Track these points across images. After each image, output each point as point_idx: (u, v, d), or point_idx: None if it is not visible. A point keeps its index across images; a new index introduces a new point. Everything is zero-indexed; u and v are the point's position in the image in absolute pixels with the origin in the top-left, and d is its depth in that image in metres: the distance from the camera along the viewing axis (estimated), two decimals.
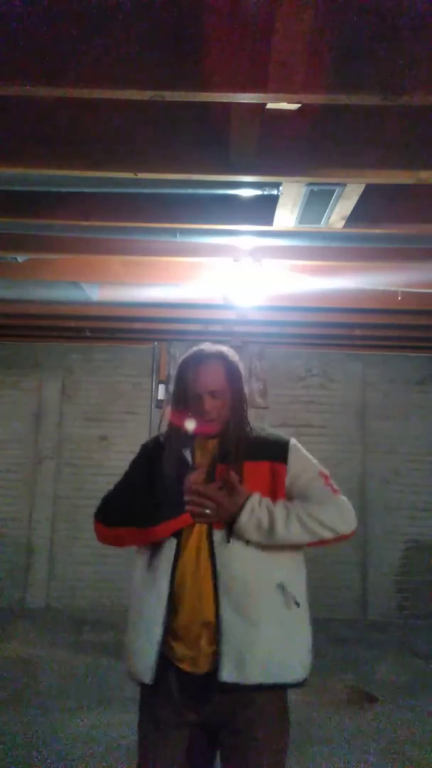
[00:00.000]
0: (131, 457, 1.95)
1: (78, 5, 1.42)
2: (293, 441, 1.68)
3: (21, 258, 3.18)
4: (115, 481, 1.90)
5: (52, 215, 2.42)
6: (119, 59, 1.48)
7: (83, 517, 5.42)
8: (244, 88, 1.50)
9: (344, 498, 1.67)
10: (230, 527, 1.50)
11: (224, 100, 1.57)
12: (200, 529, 1.54)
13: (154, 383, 5.54)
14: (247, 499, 1.50)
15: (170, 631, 1.50)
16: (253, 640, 1.45)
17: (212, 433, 1.63)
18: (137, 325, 4.65)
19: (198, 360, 1.65)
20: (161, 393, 5.49)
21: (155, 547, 1.58)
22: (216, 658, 1.44)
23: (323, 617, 5.15)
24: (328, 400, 5.54)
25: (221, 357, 1.68)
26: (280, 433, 1.72)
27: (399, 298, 3.52)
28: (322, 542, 1.58)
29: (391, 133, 1.92)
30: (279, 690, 1.54)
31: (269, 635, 1.47)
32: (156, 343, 5.56)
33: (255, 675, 1.44)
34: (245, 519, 1.48)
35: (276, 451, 1.63)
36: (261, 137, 1.82)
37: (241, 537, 1.50)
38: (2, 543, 5.40)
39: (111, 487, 1.86)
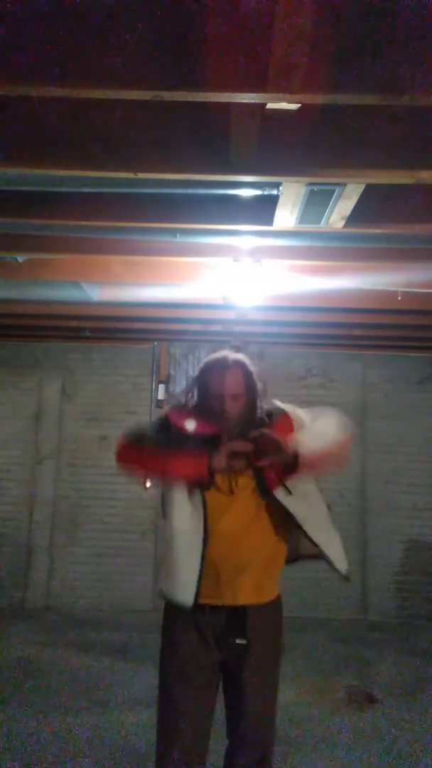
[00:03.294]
0: None
1: (78, 5, 1.41)
2: (288, 407, 1.99)
3: (21, 258, 3.18)
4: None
5: (52, 215, 2.42)
6: (119, 59, 1.48)
7: (83, 517, 5.42)
8: (244, 88, 1.50)
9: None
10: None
11: (224, 100, 1.57)
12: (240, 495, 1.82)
13: (154, 383, 5.54)
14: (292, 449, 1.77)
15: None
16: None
17: (222, 431, 1.83)
18: (137, 325, 4.65)
19: (222, 366, 1.88)
20: (161, 393, 5.49)
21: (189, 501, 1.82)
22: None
23: (323, 617, 5.16)
24: (328, 400, 5.54)
25: (241, 365, 1.92)
26: (276, 404, 1.99)
27: (399, 298, 3.52)
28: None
29: (391, 133, 1.92)
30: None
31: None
32: (156, 343, 5.56)
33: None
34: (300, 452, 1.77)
35: (276, 414, 1.93)
36: (261, 137, 1.82)
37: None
38: (2, 543, 5.40)
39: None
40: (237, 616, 1.80)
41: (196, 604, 1.76)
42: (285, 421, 1.91)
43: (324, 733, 3.18)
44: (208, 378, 1.89)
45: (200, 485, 1.80)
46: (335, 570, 1.94)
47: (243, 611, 1.80)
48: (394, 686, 3.85)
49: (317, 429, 1.89)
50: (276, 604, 1.92)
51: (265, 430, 1.77)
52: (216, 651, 1.82)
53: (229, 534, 1.80)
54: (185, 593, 1.77)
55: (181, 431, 1.85)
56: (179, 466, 1.82)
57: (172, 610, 1.86)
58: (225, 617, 1.81)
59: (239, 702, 1.84)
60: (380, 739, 3.14)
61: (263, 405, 1.96)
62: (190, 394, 1.96)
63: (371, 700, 3.64)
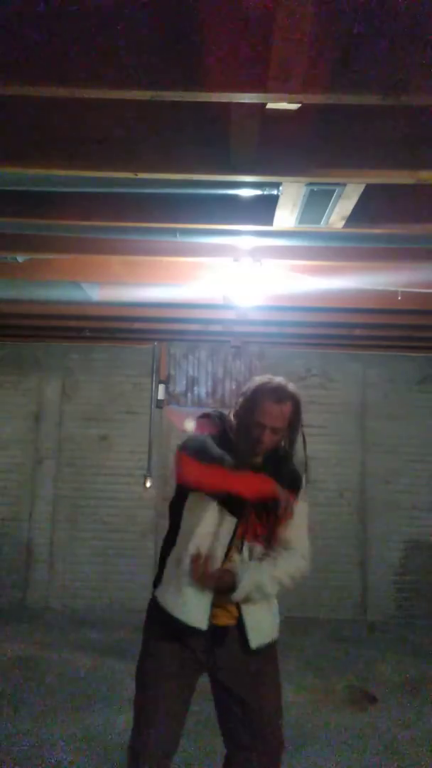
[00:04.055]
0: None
1: (78, 6, 1.42)
2: (304, 481, 1.98)
3: (21, 258, 3.18)
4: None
5: (52, 215, 2.42)
6: (119, 59, 1.49)
7: (83, 517, 5.42)
8: (244, 88, 1.50)
9: (308, 551, 1.96)
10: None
11: (224, 100, 1.57)
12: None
13: (154, 383, 5.54)
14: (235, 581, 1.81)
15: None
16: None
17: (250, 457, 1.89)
18: (137, 325, 4.65)
19: (277, 397, 1.87)
20: (161, 393, 5.49)
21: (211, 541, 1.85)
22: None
23: (323, 617, 5.16)
24: (328, 400, 5.54)
25: (295, 399, 1.92)
26: (297, 466, 1.99)
27: (399, 298, 3.52)
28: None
29: (391, 133, 1.92)
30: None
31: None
32: (156, 343, 5.56)
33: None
34: (238, 594, 1.80)
35: (297, 486, 1.93)
36: (261, 137, 1.82)
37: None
38: (2, 543, 5.40)
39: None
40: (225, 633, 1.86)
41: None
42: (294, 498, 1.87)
43: (324, 733, 3.18)
44: (259, 403, 1.86)
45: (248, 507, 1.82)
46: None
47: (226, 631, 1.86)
48: (394, 686, 3.85)
49: (276, 571, 1.86)
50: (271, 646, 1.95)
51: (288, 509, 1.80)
52: (199, 659, 1.87)
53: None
54: (197, 616, 1.82)
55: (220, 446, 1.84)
56: (248, 483, 1.79)
57: (163, 616, 1.88)
58: (218, 633, 1.86)
59: (247, 708, 1.87)
60: (380, 739, 3.14)
61: (294, 456, 1.97)
62: (233, 408, 1.96)
63: (371, 700, 3.64)
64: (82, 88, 1.53)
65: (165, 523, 2.08)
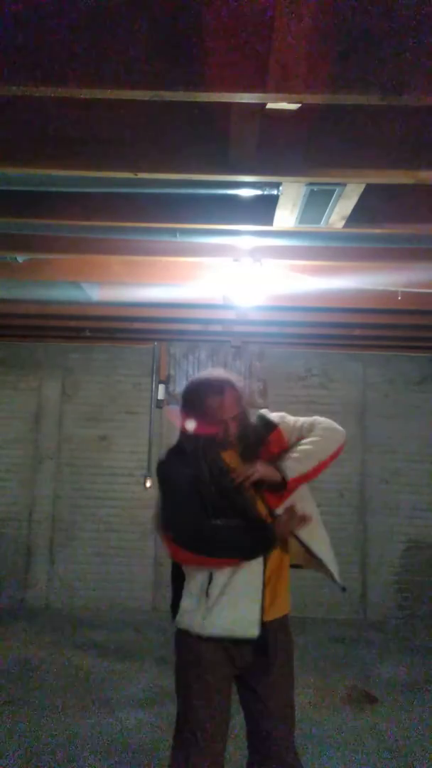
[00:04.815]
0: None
1: (78, 5, 1.42)
2: (276, 415, 2.06)
3: (21, 258, 3.18)
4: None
5: (52, 215, 2.42)
6: (119, 59, 1.48)
7: (83, 517, 5.42)
8: (244, 88, 1.50)
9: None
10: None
11: (224, 100, 1.57)
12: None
13: (154, 383, 5.54)
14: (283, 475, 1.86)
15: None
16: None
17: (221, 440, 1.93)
18: (137, 325, 4.65)
19: (219, 391, 1.91)
20: (161, 393, 5.49)
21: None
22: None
23: (323, 617, 5.16)
24: (328, 400, 5.54)
25: (232, 385, 1.95)
26: (264, 414, 2.08)
27: (399, 298, 3.52)
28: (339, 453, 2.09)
29: (391, 133, 1.92)
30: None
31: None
32: (156, 343, 5.56)
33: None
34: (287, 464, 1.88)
35: (269, 428, 2.01)
36: (261, 137, 1.82)
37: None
38: (2, 543, 5.40)
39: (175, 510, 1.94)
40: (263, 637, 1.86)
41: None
42: (277, 436, 1.99)
43: (324, 733, 3.18)
44: (205, 404, 1.90)
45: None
46: (334, 581, 2.06)
47: (266, 626, 1.85)
48: (394, 686, 3.86)
49: (306, 448, 1.94)
50: (287, 616, 2.01)
51: (260, 469, 1.86)
52: (232, 663, 1.89)
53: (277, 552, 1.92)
54: (250, 626, 1.83)
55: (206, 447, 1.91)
56: (250, 549, 1.84)
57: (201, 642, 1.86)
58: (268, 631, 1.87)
59: (265, 710, 1.91)
60: (380, 739, 3.14)
61: (252, 416, 2.03)
62: (184, 418, 1.97)
63: (371, 700, 3.64)
64: (82, 88, 1.53)
65: None
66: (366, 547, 5.37)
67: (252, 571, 1.84)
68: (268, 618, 1.87)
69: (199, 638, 1.84)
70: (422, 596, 5.29)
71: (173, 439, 2.13)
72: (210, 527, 1.83)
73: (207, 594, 1.82)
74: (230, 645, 1.85)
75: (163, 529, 1.88)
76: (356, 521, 5.40)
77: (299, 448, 1.94)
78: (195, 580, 1.87)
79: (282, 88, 1.49)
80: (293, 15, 1.24)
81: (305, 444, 1.95)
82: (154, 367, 5.57)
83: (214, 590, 1.82)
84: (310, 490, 2.07)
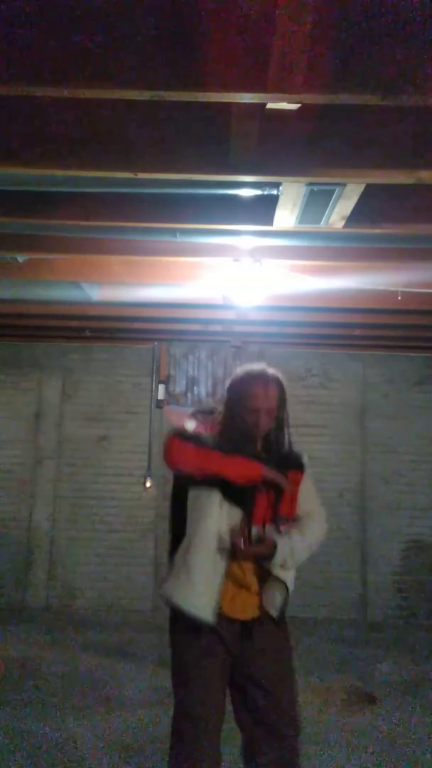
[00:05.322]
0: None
1: (78, 6, 1.42)
2: (306, 456, 2.07)
3: (21, 258, 3.18)
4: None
5: (52, 215, 2.42)
6: (119, 59, 1.48)
7: (83, 517, 5.42)
8: (244, 88, 1.50)
9: (323, 512, 2.11)
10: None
11: (224, 100, 1.57)
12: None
13: (154, 383, 5.54)
14: (275, 548, 1.89)
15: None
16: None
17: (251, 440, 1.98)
18: (137, 325, 4.65)
19: (263, 381, 1.97)
20: (161, 393, 5.49)
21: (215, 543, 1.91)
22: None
23: (323, 617, 5.16)
24: (328, 400, 5.54)
25: (279, 381, 2.00)
26: (301, 451, 2.09)
27: (399, 298, 3.52)
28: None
29: (391, 133, 1.92)
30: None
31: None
32: (156, 343, 5.56)
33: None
34: (277, 561, 1.90)
35: (301, 464, 2.02)
36: (261, 137, 1.82)
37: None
38: (2, 543, 5.40)
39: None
40: (247, 628, 1.93)
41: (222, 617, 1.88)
42: (299, 478, 1.99)
43: (324, 733, 3.18)
44: (246, 390, 1.95)
45: (247, 490, 1.87)
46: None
47: (252, 623, 1.93)
48: (394, 686, 3.85)
49: (305, 544, 1.99)
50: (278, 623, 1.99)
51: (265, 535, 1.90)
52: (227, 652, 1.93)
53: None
54: (206, 609, 1.86)
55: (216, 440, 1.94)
56: (235, 467, 1.85)
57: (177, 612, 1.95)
58: (239, 628, 1.93)
59: (260, 700, 1.93)
60: (380, 739, 3.14)
61: (288, 438, 2.05)
62: (219, 403, 2.05)
63: (371, 700, 3.64)
64: (82, 88, 1.53)
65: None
66: (366, 547, 5.37)
67: (217, 558, 1.88)
68: (238, 615, 1.91)
69: (176, 607, 1.94)
70: (422, 596, 5.29)
71: None
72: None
73: (189, 580, 1.90)
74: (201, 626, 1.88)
75: (168, 437, 1.98)
76: (356, 521, 5.40)
77: (303, 537, 1.98)
78: (184, 543, 1.94)
79: (282, 88, 1.49)
80: (293, 15, 1.24)
81: (309, 538, 2.01)
82: (154, 367, 5.57)
83: (195, 575, 1.89)
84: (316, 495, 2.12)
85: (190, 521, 1.95)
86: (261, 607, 1.94)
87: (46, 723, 3.20)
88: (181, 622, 1.95)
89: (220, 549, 1.88)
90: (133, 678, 3.85)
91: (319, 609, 5.18)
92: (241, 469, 1.84)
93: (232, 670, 1.95)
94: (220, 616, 1.87)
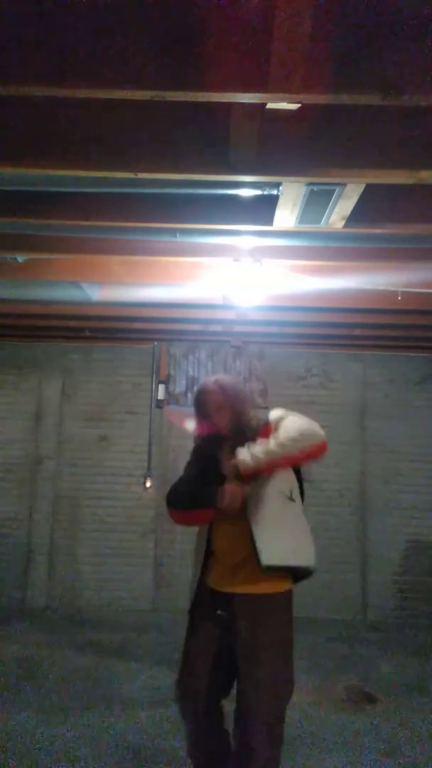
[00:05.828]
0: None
1: (78, 6, 1.42)
2: (276, 415, 2.25)
3: (21, 258, 3.18)
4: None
5: (52, 215, 2.42)
6: (119, 59, 1.49)
7: (83, 517, 5.42)
8: (244, 88, 1.50)
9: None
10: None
11: (224, 100, 1.57)
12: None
13: (154, 383, 5.54)
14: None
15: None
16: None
17: (216, 432, 2.26)
18: (137, 325, 4.65)
19: (201, 393, 2.32)
20: (161, 393, 5.49)
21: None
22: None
23: (323, 617, 5.16)
24: (328, 400, 5.54)
25: (220, 384, 2.31)
26: (264, 413, 2.31)
27: (399, 298, 3.53)
28: (308, 455, 2.13)
29: (391, 133, 1.92)
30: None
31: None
32: (156, 343, 5.56)
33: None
34: (243, 457, 2.07)
35: (261, 425, 2.23)
36: (261, 137, 1.82)
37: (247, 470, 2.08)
38: (2, 543, 5.40)
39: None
40: (231, 601, 2.12)
41: (206, 587, 2.18)
42: (268, 431, 2.18)
43: (324, 733, 3.18)
44: (198, 403, 2.31)
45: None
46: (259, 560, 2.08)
47: (233, 598, 2.11)
48: (394, 686, 3.85)
49: (265, 448, 2.09)
50: (271, 597, 2.11)
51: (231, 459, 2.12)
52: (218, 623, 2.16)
53: (227, 533, 2.17)
54: (194, 579, 2.23)
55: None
56: (201, 517, 2.22)
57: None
58: (225, 599, 2.14)
59: (240, 677, 2.10)
60: (380, 739, 3.14)
61: (257, 412, 2.34)
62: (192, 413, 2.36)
63: (371, 700, 3.63)
64: (82, 88, 1.53)
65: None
66: (366, 547, 5.37)
67: (201, 540, 2.24)
68: (223, 587, 2.14)
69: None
70: (422, 596, 5.29)
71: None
72: (175, 484, 2.31)
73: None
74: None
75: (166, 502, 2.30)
76: (356, 521, 5.40)
77: (261, 445, 2.09)
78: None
79: (282, 88, 1.49)
80: (293, 15, 1.24)
81: (268, 442, 2.10)
82: (154, 367, 5.57)
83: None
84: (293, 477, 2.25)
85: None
86: (251, 583, 2.09)
87: (46, 723, 3.20)
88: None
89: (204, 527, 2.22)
90: (133, 678, 3.85)
91: (319, 609, 5.18)
92: (202, 518, 2.22)
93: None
94: (207, 588, 2.17)
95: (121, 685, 3.72)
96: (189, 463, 2.36)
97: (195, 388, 2.43)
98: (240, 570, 2.10)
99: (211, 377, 2.42)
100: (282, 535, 2.08)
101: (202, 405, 2.29)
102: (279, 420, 2.20)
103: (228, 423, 2.24)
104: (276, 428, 2.16)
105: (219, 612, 2.14)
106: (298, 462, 2.17)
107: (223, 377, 2.40)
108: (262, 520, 2.07)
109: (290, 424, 2.15)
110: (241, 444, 2.12)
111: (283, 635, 2.11)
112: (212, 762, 2.15)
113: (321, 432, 2.11)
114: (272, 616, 2.10)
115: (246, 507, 2.08)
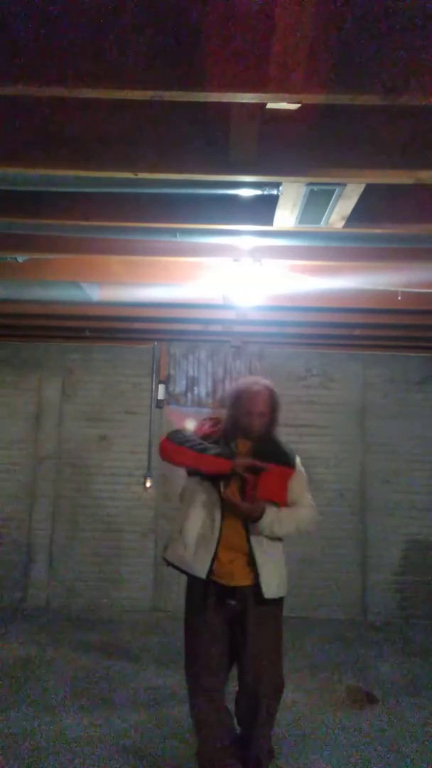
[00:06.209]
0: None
1: (78, 5, 1.42)
2: (298, 458, 2.57)
3: (21, 258, 3.18)
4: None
5: (52, 215, 2.42)
6: (119, 59, 1.48)
7: (83, 517, 5.42)
8: (244, 88, 1.50)
9: (314, 506, 2.56)
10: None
11: (224, 100, 1.57)
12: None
13: (154, 383, 5.55)
14: (263, 510, 2.37)
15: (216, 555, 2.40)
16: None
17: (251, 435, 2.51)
18: (137, 325, 4.65)
19: (256, 389, 2.50)
20: (161, 393, 5.49)
21: (210, 505, 2.43)
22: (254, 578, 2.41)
23: (323, 617, 5.16)
24: (328, 400, 5.54)
25: (269, 388, 2.53)
26: (293, 449, 2.59)
27: (399, 298, 3.52)
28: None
29: (391, 133, 1.92)
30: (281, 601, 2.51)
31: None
32: (156, 343, 5.56)
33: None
34: (264, 523, 2.38)
35: (288, 460, 2.52)
36: (261, 137, 1.82)
37: (255, 528, 2.39)
38: (2, 543, 5.40)
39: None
40: (235, 591, 2.40)
41: (208, 578, 2.37)
42: (288, 473, 2.48)
43: (324, 733, 3.18)
44: (242, 397, 2.48)
45: (220, 481, 2.41)
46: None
47: (242, 589, 2.39)
48: (394, 686, 3.86)
49: (292, 521, 2.44)
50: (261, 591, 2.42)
51: (254, 496, 2.38)
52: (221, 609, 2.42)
53: (235, 526, 2.40)
54: (201, 569, 2.37)
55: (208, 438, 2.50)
56: (205, 463, 2.40)
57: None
58: (227, 591, 2.40)
59: (244, 655, 2.42)
60: (380, 739, 3.14)
61: (285, 442, 2.58)
62: (222, 408, 2.59)
63: (371, 700, 3.64)
64: (82, 89, 1.53)
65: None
66: (366, 547, 5.37)
67: (211, 529, 2.39)
68: (231, 581, 2.39)
69: (191, 576, 2.43)
70: (422, 596, 5.29)
71: None
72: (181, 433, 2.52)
73: (184, 544, 2.42)
74: (218, 590, 2.39)
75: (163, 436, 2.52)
76: (356, 521, 5.41)
77: (290, 512, 2.44)
78: (179, 521, 2.48)
79: (282, 88, 1.49)
80: (293, 15, 1.24)
81: (296, 516, 2.46)
82: (154, 367, 5.58)
83: (189, 540, 2.41)
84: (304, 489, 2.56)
85: (184, 504, 2.49)
86: (254, 580, 2.38)
87: (46, 723, 3.20)
88: (186, 582, 2.49)
89: (211, 517, 2.39)
90: (133, 678, 3.85)
91: (319, 609, 5.18)
92: (208, 464, 2.38)
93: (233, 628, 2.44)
94: (213, 579, 2.37)
95: (121, 685, 3.72)
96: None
97: (239, 383, 2.59)
98: (245, 566, 2.40)
99: (256, 379, 2.61)
100: (278, 573, 2.45)
101: (249, 403, 2.46)
102: (298, 473, 2.52)
103: (262, 428, 2.48)
104: (298, 484, 2.49)
105: (232, 602, 2.39)
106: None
107: (269, 382, 2.56)
108: (263, 554, 2.40)
109: (305, 512, 2.48)
110: (259, 455, 2.42)
111: (278, 612, 2.51)
112: (224, 740, 2.44)
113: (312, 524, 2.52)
114: (269, 600, 2.42)
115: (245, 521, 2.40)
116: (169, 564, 2.47)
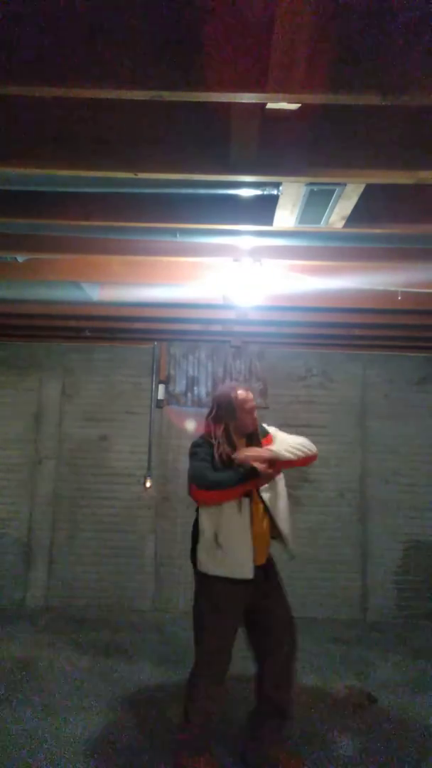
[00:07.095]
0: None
1: (78, 5, 1.42)
2: (272, 430, 2.94)
3: (21, 258, 3.18)
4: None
5: (52, 215, 2.42)
6: (119, 59, 1.49)
7: (83, 517, 5.42)
8: (244, 88, 1.50)
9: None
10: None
11: (224, 100, 1.57)
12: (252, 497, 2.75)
13: (154, 383, 5.55)
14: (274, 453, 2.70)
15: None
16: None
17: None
18: (137, 325, 4.65)
19: (245, 389, 2.86)
20: (161, 393, 5.49)
21: (238, 506, 2.69)
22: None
23: (323, 617, 5.16)
24: (328, 400, 5.54)
25: (250, 392, 2.89)
26: (263, 425, 2.93)
27: (399, 298, 3.53)
28: (305, 461, 2.82)
29: (391, 133, 1.92)
30: None
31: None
32: (156, 343, 5.56)
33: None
34: (278, 451, 2.71)
35: (265, 433, 2.89)
36: (261, 137, 1.83)
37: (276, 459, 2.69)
38: (2, 543, 5.40)
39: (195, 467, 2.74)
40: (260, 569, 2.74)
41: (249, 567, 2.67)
42: (269, 440, 2.84)
43: (324, 733, 3.18)
44: (239, 397, 2.78)
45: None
46: (286, 548, 2.82)
47: (266, 565, 2.81)
48: (394, 686, 3.86)
49: (292, 450, 2.74)
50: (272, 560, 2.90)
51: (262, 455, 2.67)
52: (242, 599, 2.70)
53: (259, 517, 2.73)
54: (245, 570, 2.63)
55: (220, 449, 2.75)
56: (241, 490, 2.65)
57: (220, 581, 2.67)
58: (261, 572, 2.75)
59: (273, 616, 2.79)
60: (380, 739, 3.14)
61: (261, 424, 2.91)
62: (213, 414, 2.83)
63: (371, 700, 3.64)
64: (82, 88, 1.53)
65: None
66: (366, 547, 5.37)
67: (243, 529, 2.65)
68: (259, 563, 2.72)
69: (216, 578, 2.64)
70: (422, 596, 5.29)
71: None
72: (212, 472, 2.66)
73: (217, 545, 2.64)
74: (238, 583, 2.62)
75: (189, 482, 2.68)
76: (356, 521, 5.41)
77: (289, 448, 2.75)
78: (206, 536, 2.69)
79: (282, 88, 1.49)
80: (293, 15, 1.24)
81: (293, 447, 2.77)
82: (154, 367, 5.58)
83: (222, 542, 2.63)
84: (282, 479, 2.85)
85: (210, 515, 2.69)
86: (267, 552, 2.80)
87: (46, 723, 3.20)
88: (208, 587, 2.69)
89: (239, 512, 2.66)
90: (133, 678, 3.85)
91: (319, 609, 5.18)
92: (241, 491, 2.64)
93: (248, 608, 2.73)
94: (255, 568, 2.64)
95: (121, 685, 3.72)
96: (195, 454, 2.75)
97: (235, 393, 2.81)
98: (267, 545, 2.80)
99: (235, 384, 2.90)
100: (293, 528, 2.83)
101: (243, 404, 2.78)
102: (275, 434, 2.87)
103: (256, 421, 2.82)
104: (274, 440, 2.81)
105: (262, 579, 2.70)
106: (297, 465, 2.79)
107: (243, 383, 3.04)
108: (281, 513, 2.76)
109: (289, 437, 2.85)
110: (252, 442, 2.77)
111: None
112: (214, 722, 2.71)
113: (314, 446, 2.86)
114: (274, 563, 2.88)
115: (262, 495, 2.73)
116: (209, 576, 2.67)
